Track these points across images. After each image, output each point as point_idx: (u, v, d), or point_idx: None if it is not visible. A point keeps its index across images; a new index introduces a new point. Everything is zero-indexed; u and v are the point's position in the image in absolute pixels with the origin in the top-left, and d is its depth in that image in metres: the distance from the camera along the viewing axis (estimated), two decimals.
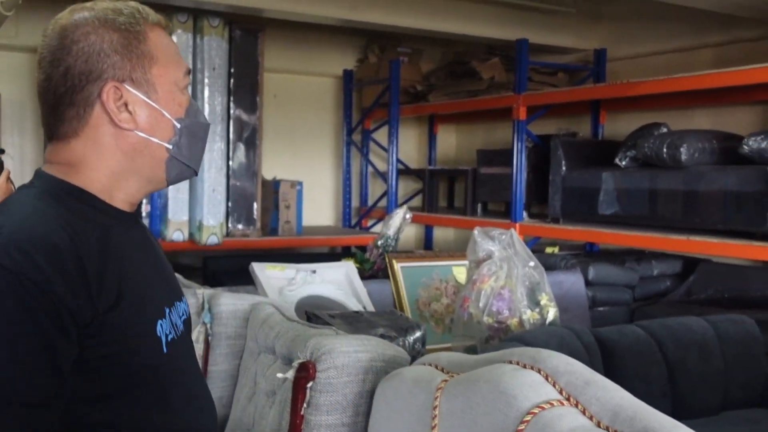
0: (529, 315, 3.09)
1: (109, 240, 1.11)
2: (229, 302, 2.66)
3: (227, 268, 5.08)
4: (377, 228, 6.53)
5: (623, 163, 4.43)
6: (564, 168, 4.68)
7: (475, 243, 3.27)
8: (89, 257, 1.04)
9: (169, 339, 1.20)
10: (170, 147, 1.19)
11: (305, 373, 2.06)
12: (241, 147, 5.52)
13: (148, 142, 1.16)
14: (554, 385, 1.52)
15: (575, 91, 5.05)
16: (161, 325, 1.18)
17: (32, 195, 1.11)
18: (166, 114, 1.17)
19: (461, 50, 6.07)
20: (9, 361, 0.94)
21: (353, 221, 6.63)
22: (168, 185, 1.26)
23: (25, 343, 0.95)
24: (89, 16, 1.14)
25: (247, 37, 5.46)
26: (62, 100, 1.12)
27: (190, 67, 5.13)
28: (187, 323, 1.35)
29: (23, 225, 1.02)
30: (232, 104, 5.44)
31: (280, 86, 6.28)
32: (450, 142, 7.08)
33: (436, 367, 1.95)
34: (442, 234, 6.89)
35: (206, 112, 5.24)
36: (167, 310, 1.23)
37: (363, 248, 6.23)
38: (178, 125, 1.19)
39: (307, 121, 6.59)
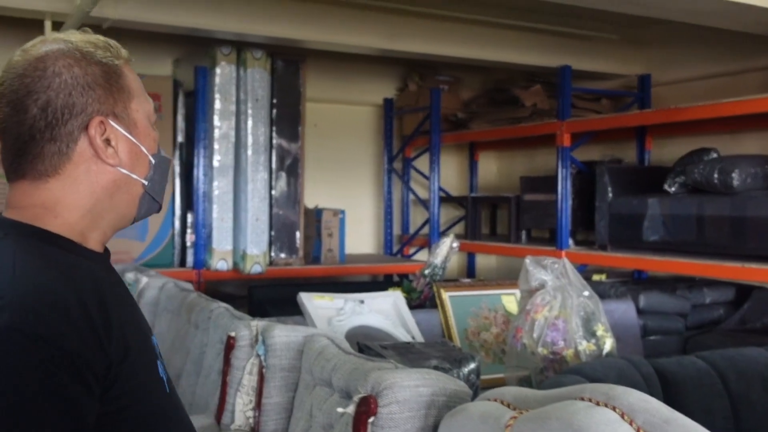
0: (585, 346, 3.04)
1: (102, 286, 1.03)
2: (283, 334, 2.65)
3: (272, 297, 5.08)
4: (419, 256, 6.51)
5: (672, 189, 4.36)
6: (610, 194, 4.62)
7: (527, 272, 3.23)
8: (93, 307, 0.97)
9: (166, 378, 1.14)
10: (146, 183, 1.13)
11: (366, 407, 2.04)
12: (284, 176, 5.56)
13: (128, 179, 1.10)
14: (631, 424, 1.48)
15: (621, 117, 5.00)
16: (160, 365, 1.13)
17: (14, 249, 0.99)
18: (144, 149, 1.11)
19: (501, 77, 6.06)
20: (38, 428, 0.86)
21: (395, 249, 6.62)
22: (134, 222, 1.19)
23: (50, 407, 0.87)
24: (68, 48, 1.06)
25: (289, 67, 5.52)
26: (41, 135, 1.02)
27: (234, 98, 5.24)
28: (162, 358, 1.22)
29: (21, 282, 0.94)
30: (274, 134, 5.49)
31: (321, 115, 6.32)
32: (491, 169, 7.06)
33: (502, 403, 1.91)
34: (484, 261, 6.84)
35: (249, 142, 5.30)
36: (157, 350, 1.16)
37: (406, 276, 6.22)
38: (153, 161, 1.14)
39: (348, 150, 6.63)
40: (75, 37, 1.09)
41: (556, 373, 3.13)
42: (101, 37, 1.13)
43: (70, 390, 0.89)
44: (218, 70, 5.23)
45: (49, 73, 1.03)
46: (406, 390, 2.02)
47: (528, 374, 3.22)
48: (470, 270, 6.66)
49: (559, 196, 4.88)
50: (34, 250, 1.00)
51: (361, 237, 6.65)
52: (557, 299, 3.17)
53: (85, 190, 1.05)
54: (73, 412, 0.89)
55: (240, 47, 5.27)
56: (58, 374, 0.87)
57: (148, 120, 1.13)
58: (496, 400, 1.91)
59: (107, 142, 1.06)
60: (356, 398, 2.08)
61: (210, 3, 4.65)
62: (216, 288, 5.61)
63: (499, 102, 5.86)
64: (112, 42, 1.13)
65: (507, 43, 5.37)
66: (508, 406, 1.84)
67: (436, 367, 2.95)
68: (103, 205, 1.08)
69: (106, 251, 1.17)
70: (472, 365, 3.05)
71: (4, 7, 4.25)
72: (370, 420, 2.01)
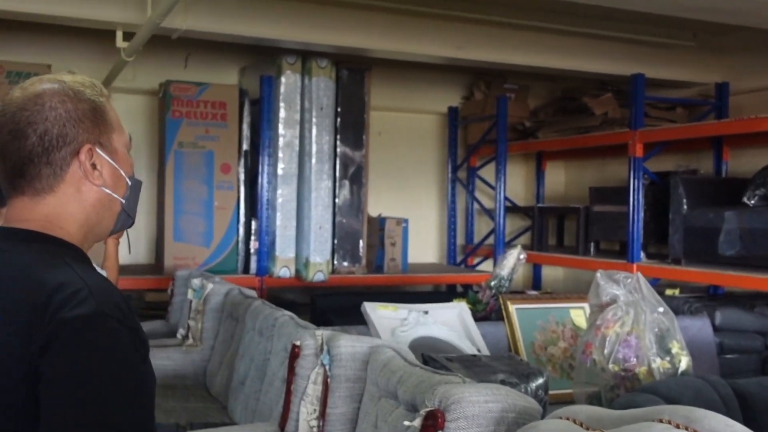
0: (659, 363, 2.92)
1: None
2: (349, 344, 2.62)
3: (335, 306, 5.07)
4: (483, 266, 6.42)
5: (752, 201, 4.18)
6: (685, 206, 4.46)
7: (598, 286, 3.13)
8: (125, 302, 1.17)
9: None
10: (123, 201, 1.31)
11: (433, 421, 1.99)
12: (347, 184, 5.56)
13: (110, 197, 1.28)
14: None
15: (697, 127, 4.83)
16: None
17: (56, 251, 1.20)
18: (122, 173, 1.29)
19: (570, 86, 5.94)
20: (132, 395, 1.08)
21: (458, 259, 6.54)
22: (108, 236, 1.36)
23: (137, 369, 1.11)
24: (61, 88, 1.23)
25: (354, 76, 5.52)
26: (39, 159, 1.20)
27: (299, 106, 5.27)
28: None
29: (86, 277, 1.14)
30: (338, 142, 5.50)
31: (385, 124, 6.31)
32: (558, 179, 6.92)
33: (575, 422, 1.83)
34: (551, 273, 6.71)
35: (313, 151, 5.32)
36: None
37: (469, 287, 6.14)
38: (130, 182, 1.31)
39: (411, 159, 6.59)
40: (67, 77, 1.27)
41: (628, 391, 3.02)
42: (88, 78, 1.30)
43: (141, 355, 1.12)
44: (283, 79, 5.27)
45: (47, 107, 1.21)
46: (475, 405, 1.96)
47: (597, 391, 3.11)
48: (536, 282, 6.53)
49: (631, 208, 4.74)
50: (68, 252, 1.20)
51: (424, 246, 6.60)
52: (630, 315, 3.06)
53: (77, 207, 1.24)
54: (147, 373, 1.13)
55: (305, 56, 5.30)
56: (137, 348, 1.10)
57: (125, 148, 1.32)
58: (568, 419, 1.84)
59: (93, 166, 1.24)
60: (423, 412, 2.03)
61: (276, 13, 4.69)
62: (278, 295, 5.63)
63: (568, 111, 5.74)
64: (97, 82, 1.31)
65: (577, 50, 5.26)
66: (581, 425, 1.77)
67: (503, 382, 2.87)
68: (92, 220, 1.26)
69: None
70: (540, 380, 2.96)
71: (78, 19, 4.36)
72: None
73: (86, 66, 5.43)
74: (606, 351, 3.04)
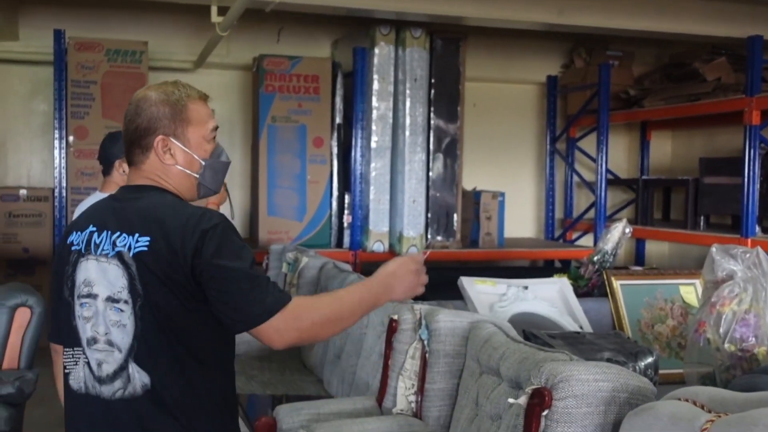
0: None
1: None
2: (448, 319, 2.53)
3: (429, 280, 4.98)
4: (582, 241, 6.20)
5: None
6: None
7: (713, 261, 2.92)
8: None
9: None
10: (197, 176, 1.79)
11: (540, 399, 1.88)
12: (441, 157, 5.44)
13: (185, 173, 1.77)
14: None
15: None
16: None
17: (175, 198, 1.76)
18: (195, 156, 1.77)
19: (679, 51, 5.61)
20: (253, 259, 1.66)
21: (556, 234, 6.33)
22: (196, 199, 1.84)
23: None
24: (155, 95, 1.73)
25: (449, 46, 5.38)
26: (133, 142, 1.74)
27: (392, 78, 5.18)
28: None
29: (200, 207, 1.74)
30: (432, 114, 5.38)
31: (480, 95, 6.14)
32: (664, 149, 6.59)
33: (695, 404, 1.70)
34: (655, 249, 6.42)
35: (407, 123, 5.23)
36: None
37: (567, 262, 5.94)
38: (203, 163, 1.79)
39: (508, 130, 6.41)
40: (168, 86, 1.75)
41: (744, 371, 2.82)
42: (183, 87, 1.77)
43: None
44: (377, 50, 5.19)
45: (143, 108, 1.72)
46: (584, 384, 1.85)
47: (711, 371, 2.92)
48: (639, 257, 6.26)
49: (746, 179, 4.44)
50: (176, 197, 1.77)
51: (520, 220, 6.42)
52: (748, 292, 2.85)
53: (165, 175, 1.75)
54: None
55: (399, 27, 5.20)
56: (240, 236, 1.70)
57: (203, 138, 1.78)
58: (687, 401, 1.71)
59: (169, 150, 1.74)
60: (529, 389, 1.93)
61: None
62: (370, 269, 5.58)
63: (676, 77, 5.42)
64: (189, 88, 1.78)
65: (687, 13, 4.94)
66: (702, 407, 1.65)
67: (609, 360, 2.73)
68: (177, 185, 1.77)
69: None
70: (650, 359, 2.81)
71: None
72: (544, 413, 1.87)
73: (182, 42, 5.52)
74: (721, 330, 2.85)
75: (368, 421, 2.60)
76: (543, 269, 6.07)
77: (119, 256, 1.64)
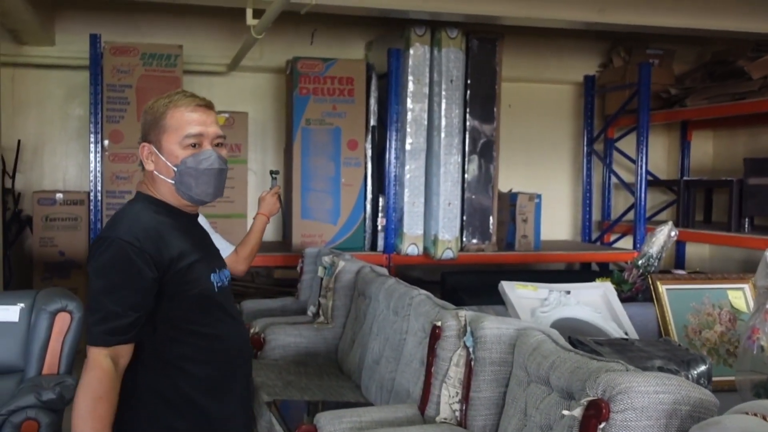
0: None
1: (176, 225, 1.91)
2: (494, 326, 2.46)
3: (466, 284, 4.93)
4: (620, 243, 6.08)
5: None
6: None
7: (766, 266, 2.82)
8: (166, 233, 1.85)
9: (218, 285, 1.95)
10: (172, 182, 1.90)
11: (596, 411, 1.82)
12: (476, 159, 5.36)
13: (160, 178, 1.90)
14: None
15: None
16: (212, 276, 1.94)
17: (136, 204, 1.92)
18: (168, 163, 1.88)
19: (721, 48, 5.47)
20: (122, 285, 1.77)
21: (594, 236, 6.22)
22: (190, 204, 1.96)
23: (129, 275, 1.78)
24: (148, 105, 1.91)
25: (485, 46, 5.30)
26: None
27: (427, 79, 5.11)
28: (229, 282, 2.05)
29: (131, 219, 1.85)
30: (468, 116, 5.30)
31: (516, 96, 6.06)
32: (705, 150, 6.45)
33: (764, 419, 1.62)
34: (695, 251, 6.28)
35: (442, 125, 5.16)
36: (216, 269, 1.98)
37: (606, 265, 5.83)
38: (175, 169, 1.89)
39: (544, 131, 6.31)
40: (162, 98, 1.90)
41: None
42: (172, 95, 1.91)
43: (144, 269, 1.79)
44: (412, 51, 5.13)
45: (142, 117, 1.94)
46: (644, 396, 1.78)
47: (765, 380, 2.82)
48: (679, 261, 6.13)
49: None
50: (147, 205, 1.91)
51: (557, 223, 6.32)
52: None
53: (153, 180, 1.92)
54: (144, 282, 1.80)
55: (434, 27, 5.13)
56: (136, 258, 1.79)
57: (177, 145, 1.88)
58: (756, 415, 1.63)
59: (150, 156, 1.90)
60: (584, 401, 1.86)
61: None
62: (405, 272, 5.54)
63: (718, 76, 5.29)
64: (176, 97, 1.90)
65: (729, 9, 4.80)
66: None
67: (660, 369, 2.64)
68: (161, 190, 1.92)
69: (195, 213, 2.05)
70: (703, 368, 2.71)
71: None
72: (601, 426, 1.80)
73: (216, 45, 5.51)
74: None
75: (412, 430, 2.54)
76: (580, 272, 5.97)
77: None
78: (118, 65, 4.92)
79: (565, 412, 1.90)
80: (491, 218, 5.41)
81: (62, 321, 2.99)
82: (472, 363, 2.48)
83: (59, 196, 5.14)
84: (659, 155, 6.42)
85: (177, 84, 4.98)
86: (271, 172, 3.54)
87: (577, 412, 1.87)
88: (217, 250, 2.10)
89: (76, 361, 2.95)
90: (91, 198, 4.96)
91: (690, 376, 2.65)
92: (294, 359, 3.90)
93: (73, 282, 5.06)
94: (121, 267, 1.75)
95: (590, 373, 1.94)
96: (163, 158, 1.87)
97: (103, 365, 1.72)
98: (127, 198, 4.91)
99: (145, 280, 1.77)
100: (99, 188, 4.95)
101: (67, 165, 5.58)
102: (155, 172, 1.90)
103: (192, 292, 1.86)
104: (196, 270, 1.88)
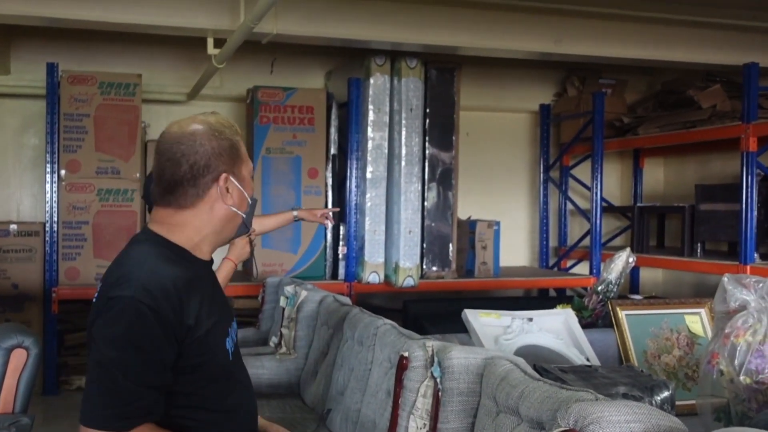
0: None
1: (194, 281, 1.61)
2: (461, 356, 2.45)
3: (428, 312, 4.94)
4: (577, 269, 6.17)
5: None
6: None
7: (724, 291, 2.90)
8: (184, 293, 1.56)
9: (232, 351, 1.74)
10: (244, 216, 1.69)
11: None
12: (435, 187, 5.41)
13: (235, 214, 1.66)
14: None
15: None
16: (227, 341, 1.72)
17: (147, 251, 1.60)
18: (246, 195, 1.68)
19: (671, 78, 5.63)
20: (140, 358, 1.50)
21: (551, 262, 6.30)
22: (223, 243, 1.74)
23: (149, 347, 1.51)
24: (209, 128, 1.61)
25: (443, 76, 5.37)
26: (188, 183, 1.59)
27: (388, 108, 5.16)
28: (236, 338, 1.83)
29: (146, 273, 1.54)
30: (427, 144, 5.35)
31: (474, 124, 6.14)
32: (657, 177, 6.60)
33: None
34: (649, 276, 6.40)
35: (403, 153, 5.20)
36: (230, 330, 1.75)
37: (562, 291, 5.91)
38: (250, 201, 1.70)
39: (501, 159, 6.40)
40: (212, 119, 1.63)
41: (760, 404, 2.79)
42: (228, 120, 1.67)
43: (160, 339, 1.52)
44: (372, 81, 5.17)
45: (197, 144, 1.59)
46: (616, 426, 1.79)
47: (725, 403, 2.89)
48: (633, 285, 6.24)
49: (744, 206, 4.44)
50: (159, 254, 1.60)
51: (515, 249, 6.39)
52: (762, 322, 2.83)
53: (207, 219, 1.64)
54: (160, 354, 1.53)
55: (394, 57, 5.19)
56: (154, 330, 1.51)
57: (249, 175, 1.69)
58: None
59: (227, 189, 1.62)
60: (556, 431, 1.86)
61: (365, 13, 4.59)
62: (366, 301, 5.53)
63: (669, 105, 5.44)
64: (234, 124, 1.68)
65: (680, 41, 4.96)
66: None
67: (625, 395, 2.69)
68: (216, 229, 1.66)
69: (211, 259, 1.76)
70: (666, 393, 2.77)
71: (171, 27, 4.35)
72: None
73: (175, 75, 5.47)
74: (736, 362, 2.82)
75: None
76: (538, 298, 6.03)
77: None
78: (75, 94, 4.86)
79: None
80: (451, 245, 5.44)
81: (18, 358, 2.89)
82: (440, 393, 2.48)
83: (13, 227, 5.02)
84: (613, 182, 6.56)
85: (136, 113, 4.93)
86: None
87: None
88: (225, 298, 1.86)
89: (31, 400, 2.88)
90: (47, 229, 4.86)
91: (654, 402, 2.70)
92: (255, 391, 3.84)
93: (27, 315, 4.93)
94: (140, 337, 1.48)
95: (560, 403, 1.95)
96: (244, 191, 1.66)
97: None
98: (85, 230, 4.97)
99: (166, 352, 1.52)
100: (55, 219, 4.86)
101: (22, 195, 5.47)
102: (232, 207, 1.64)
103: (205, 366, 1.61)
104: (212, 338, 1.63)
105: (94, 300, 1.60)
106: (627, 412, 1.82)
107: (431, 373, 2.55)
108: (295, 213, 3.23)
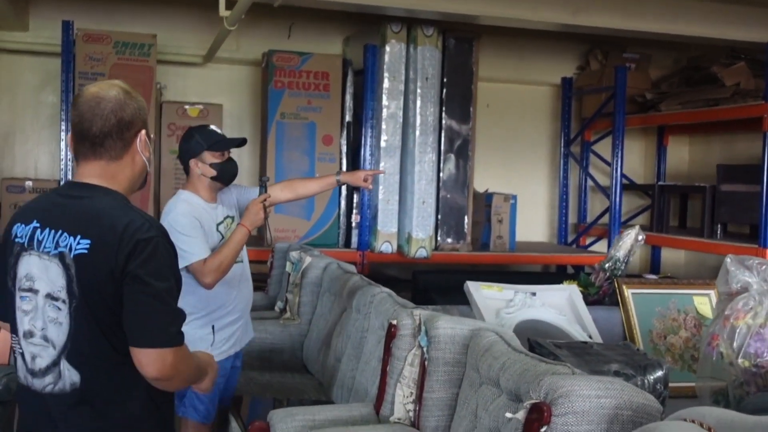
0: None
1: None
2: (448, 326, 2.43)
3: (438, 283, 4.89)
4: (597, 247, 6.08)
5: None
6: None
7: (727, 273, 2.82)
8: None
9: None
10: (149, 171, 1.88)
11: (538, 415, 1.80)
12: (452, 158, 5.34)
13: (145, 165, 1.83)
14: None
15: None
16: None
17: (117, 199, 1.76)
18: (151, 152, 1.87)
19: (697, 54, 5.47)
20: (177, 284, 1.74)
21: (569, 239, 6.22)
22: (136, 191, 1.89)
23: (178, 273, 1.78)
24: (126, 90, 1.77)
25: (461, 45, 5.28)
26: (115, 134, 1.74)
27: (403, 77, 5.09)
28: None
29: (147, 216, 1.76)
30: (444, 114, 5.28)
31: (493, 96, 6.04)
32: (681, 155, 6.45)
33: (701, 425, 1.61)
34: (671, 257, 6.29)
35: (417, 123, 5.13)
36: None
37: (581, 268, 5.82)
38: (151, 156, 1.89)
39: (521, 132, 6.29)
40: (124, 84, 1.79)
41: (759, 389, 2.72)
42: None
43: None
44: (388, 48, 5.09)
45: (123, 102, 1.75)
46: (586, 400, 1.77)
47: (724, 386, 2.82)
48: (654, 265, 6.13)
49: (765, 187, 4.31)
50: (123, 199, 1.77)
51: (533, 224, 6.30)
52: (763, 305, 2.75)
53: (130, 170, 1.79)
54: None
55: (410, 24, 5.10)
56: (174, 255, 1.77)
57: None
58: (694, 422, 1.64)
59: (145, 144, 1.80)
60: (527, 404, 1.85)
61: None
62: (380, 270, 5.50)
63: (694, 81, 5.29)
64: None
65: (705, 16, 4.81)
66: (709, 430, 1.59)
67: (617, 373, 2.64)
68: (135, 180, 1.82)
69: None
70: (659, 373, 2.71)
71: None
72: (543, 429, 1.79)
73: (192, 36, 5.45)
74: (735, 344, 2.75)
75: (364, 430, 2.52)
76: (555, 274, 5.95)
77: (60, 256, 1.67)
78: (90, 53, 4.86)
79: (509, 415, 1.89)
80: (466, 218, 5.39)
81: None
82: (426, 363, 2.46)
83: (29, 183, 5.07)
84: (636, 159, 6.43)
85: (151, 74, 4.93)
86: (261, 179, 3.11)
87: (521, 415, 1.86)
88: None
89: None
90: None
91: (646, 381, 2.65)
92: (258, 355, 3.86)
93: None
94: (172, 266, 1.73)
95: (536, 376, 1.92)
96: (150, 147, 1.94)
97: (183, 347, 1.70)
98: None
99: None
100: (70, 176, 4.90)
101: (39, 153, 5.51)
102: (147, 160, 1.89)
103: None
104: None
105: (86, 246, 1.66)
106: (599, 387, 1.79)
107: (418, 342, 2.53)
108: (338, 177, 3.20)
